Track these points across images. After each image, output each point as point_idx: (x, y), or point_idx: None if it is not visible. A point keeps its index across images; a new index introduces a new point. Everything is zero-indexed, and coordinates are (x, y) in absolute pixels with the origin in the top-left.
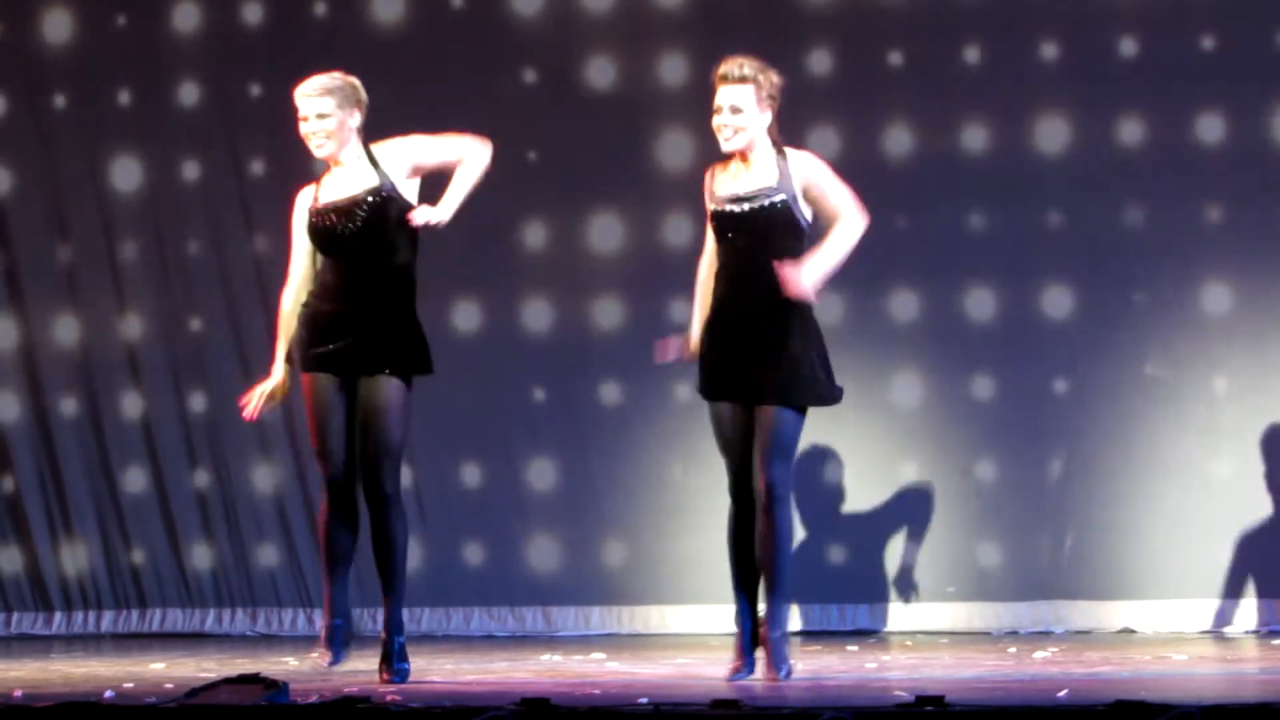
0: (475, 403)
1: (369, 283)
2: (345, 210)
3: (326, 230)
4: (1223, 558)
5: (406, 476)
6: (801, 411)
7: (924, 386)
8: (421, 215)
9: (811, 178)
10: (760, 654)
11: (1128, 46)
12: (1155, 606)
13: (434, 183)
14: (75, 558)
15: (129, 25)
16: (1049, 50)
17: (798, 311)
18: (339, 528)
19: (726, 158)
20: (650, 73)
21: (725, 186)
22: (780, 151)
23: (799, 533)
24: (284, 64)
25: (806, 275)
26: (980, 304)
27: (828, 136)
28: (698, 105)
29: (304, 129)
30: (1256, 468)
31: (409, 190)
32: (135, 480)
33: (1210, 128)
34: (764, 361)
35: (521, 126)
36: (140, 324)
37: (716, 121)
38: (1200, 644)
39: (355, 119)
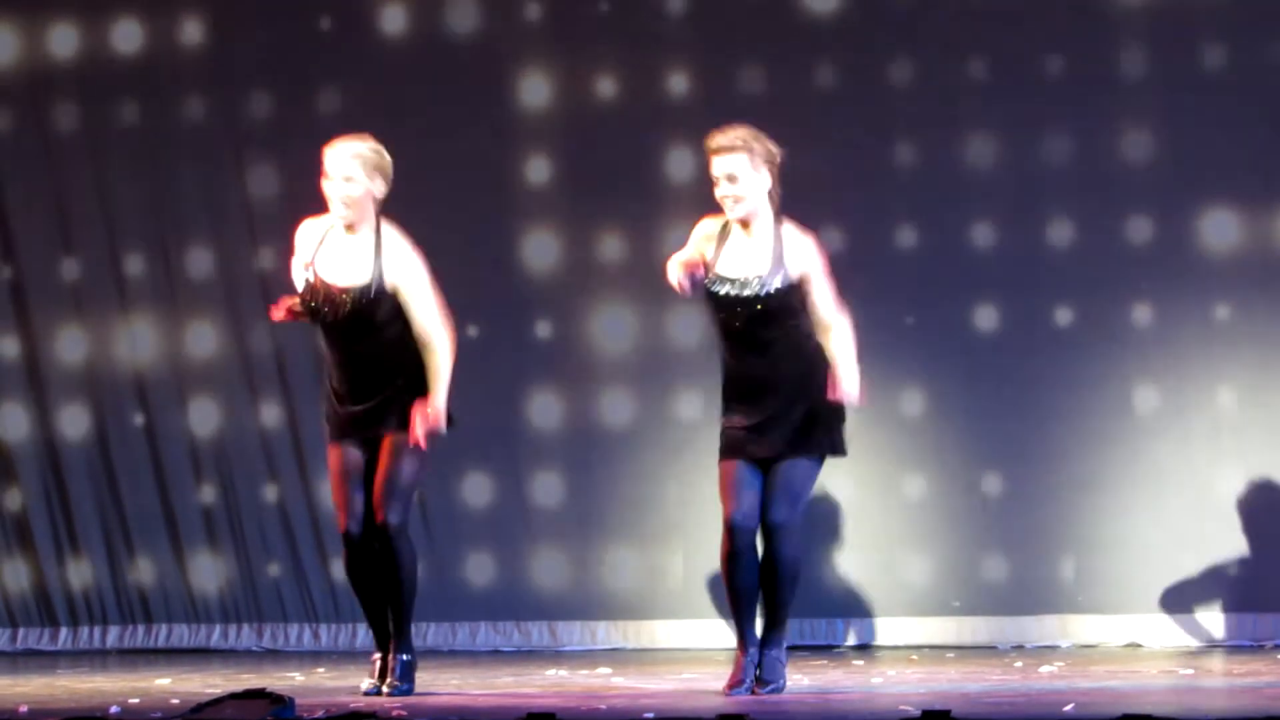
0: (481, 418)
1: (365, 361)
2: (333, 300)
3: (314, 310)
4: (1228, 571)
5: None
6: (815, 461)
7: (929, 400)
8: (423, 434)
9: (807, 271)
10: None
11: (1132, 60)
12: (1162, 620)
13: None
14: (81, 573)
15: (134, 41)
16: (1054, 64)
17: (806, 372)
18: (362, 575)
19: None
20: (655, 86)
21: (723, 262)
22: (779, 223)
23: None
24: (289, 79)
25: (853, 389)
26: (985, 318)
27: (832, 150)
28: (703, 118)
29: (327, 187)
30: (1262, 481)
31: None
32: (141, 495)
33: (1213, 140)
34: (777, 423)
35: (525, 140)
36: (146, 339)
37: (718, 193)
38: (1207, 658)
39: (379, 187)
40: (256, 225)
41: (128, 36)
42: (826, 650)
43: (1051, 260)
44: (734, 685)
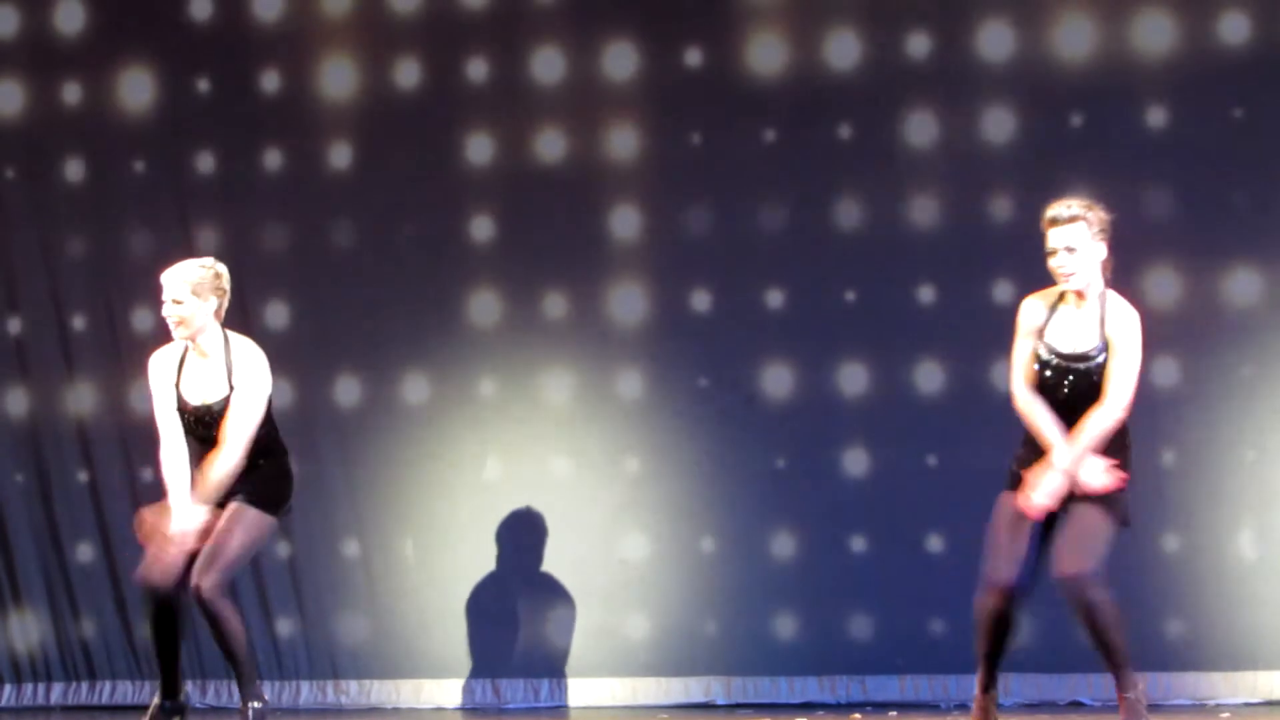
0: (422, 476)
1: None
2: (202, 418)
3: (189, 430)
4: (1170, 631)
5: (354, 547)
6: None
7: (874, 459)
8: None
9: (1114, 339)
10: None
11: (1075, 120)
12: (1104, 679)
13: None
14: (24, 629)
15: (79, 98)
16: (998, 122)
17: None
18: (166, 626)
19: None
20: (601, 146)
21: (1054, 333)
22: (1105, 293)
23: (737, 602)
24: (234, 136)
25: (1082, 472)
26: (929, 378)
27: (776, 208)
28: (646, 179)
29: (164, 310)
30: (1203, 541)
31: None
32: (84, 552)
33: (1158, 201)
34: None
35: (470, 199)
36: (90, 396)
37: (1053, 263)
38: (1151, 715)
39: (211, 304)
40: None
41: (72, 93)
42: (770, 708)
43: (995, 319)
44: None
